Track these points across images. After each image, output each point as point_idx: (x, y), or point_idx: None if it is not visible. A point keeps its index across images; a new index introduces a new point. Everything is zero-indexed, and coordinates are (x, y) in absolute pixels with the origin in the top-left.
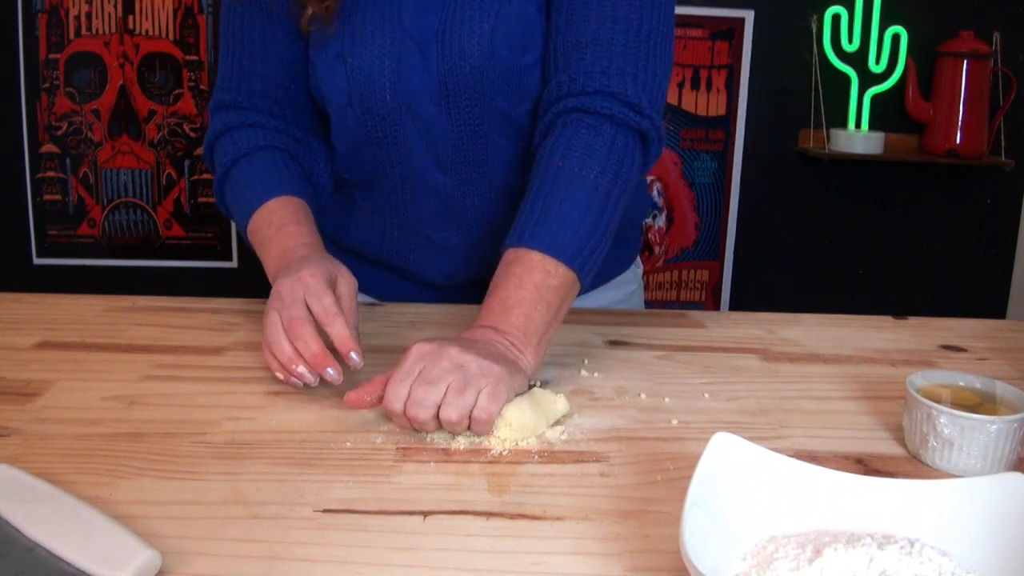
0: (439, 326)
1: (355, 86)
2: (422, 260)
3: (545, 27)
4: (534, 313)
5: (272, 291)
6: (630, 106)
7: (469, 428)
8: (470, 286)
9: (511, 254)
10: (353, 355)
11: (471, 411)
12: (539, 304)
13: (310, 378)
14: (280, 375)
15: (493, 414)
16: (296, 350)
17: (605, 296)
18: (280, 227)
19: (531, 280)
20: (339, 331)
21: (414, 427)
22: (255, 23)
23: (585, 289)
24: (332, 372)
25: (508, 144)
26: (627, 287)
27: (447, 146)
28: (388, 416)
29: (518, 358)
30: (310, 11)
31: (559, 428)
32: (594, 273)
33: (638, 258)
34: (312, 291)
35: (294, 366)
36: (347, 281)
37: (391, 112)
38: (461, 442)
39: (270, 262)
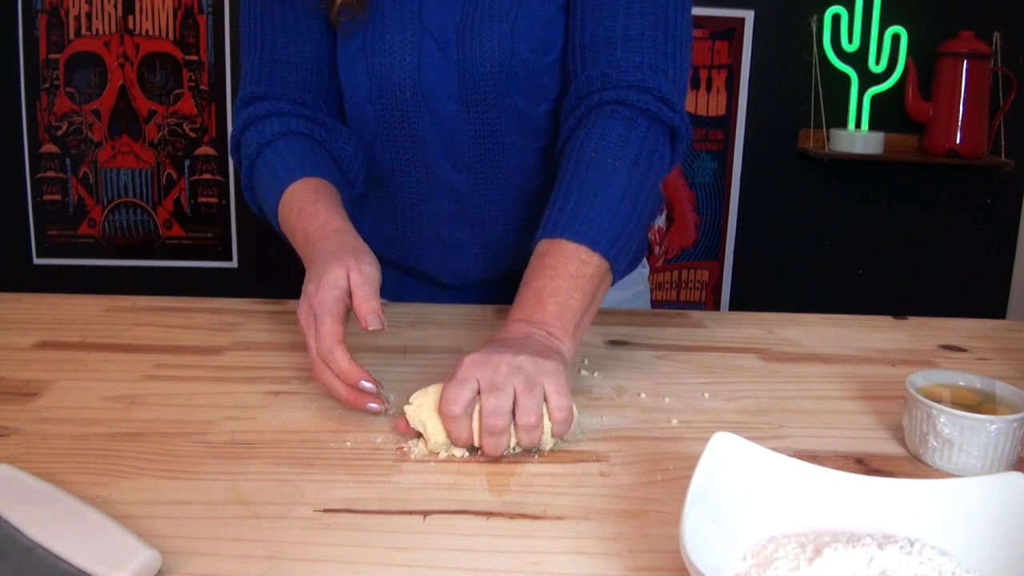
0: (439, 326)
1: (375, 81)
2: (433, 259)
3: (566, 26)
4: (570, 301)
5: (298, 306)
6: (663, 101)
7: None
8: (480, 285)
9: (544, 245)
10: (364, 383)
11: (546, 411)
12: (575, 293)
13: (377, 408)
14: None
15: (571, 409)
16: (334, 387)
17: (613, 296)
18: (299, 211)
19: (566, 270)
20: (339, 365)
21: (485, 445)
22: (287, 14)
23: (614, 280)
24: (373, 406)
25: (525, 144)
26: (635, 287)
27: (464, 145)
28: (447, 426)
29: (559, 347)
30: (339, 0)
31: None
32: (626, 264)
33: (645, 259)
34: (319, 317)
35: (357, 403)
36: (358, 274)
37: (410, 109)
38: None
39: (298, 252)
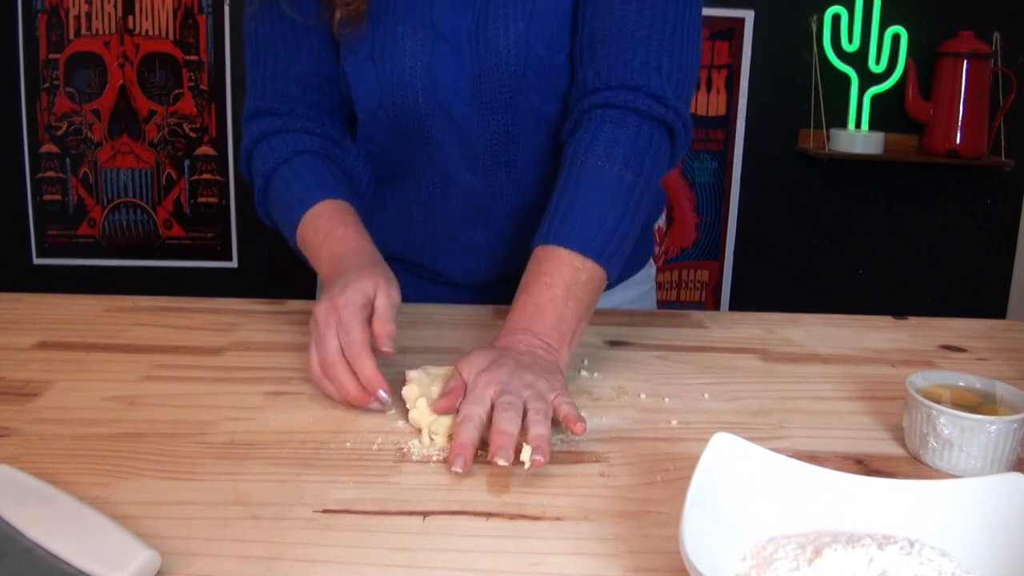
0: (440, 326)
1: (386, 88)
2: (446, 259)
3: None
4: (566, 312)
5: (312, 315)
6: (654, 98)
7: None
8: (491, 285)
9: (539, 252)
10: (381, 393)
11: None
12: (570, 302)
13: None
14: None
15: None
16: (346, 386)
17: (620, 295)
18: (327, 233)
19: (561, 278)
20: (365, 371)
21: (494, 454)
22: (286, 28)
23: (610, 284)
24: (376, 406)
25: (539, 143)
26: (641, 287)
27: (479, 146)
28: (458, 433)
29: (557, 359)
30: (339, 15)
31: (559, 428)
32: (621, 266)
33: (651, 259)
34: (343, 324)
35: (356, 402)
36: (385, 294)
37: (423, 114)
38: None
39: (321, 272)
